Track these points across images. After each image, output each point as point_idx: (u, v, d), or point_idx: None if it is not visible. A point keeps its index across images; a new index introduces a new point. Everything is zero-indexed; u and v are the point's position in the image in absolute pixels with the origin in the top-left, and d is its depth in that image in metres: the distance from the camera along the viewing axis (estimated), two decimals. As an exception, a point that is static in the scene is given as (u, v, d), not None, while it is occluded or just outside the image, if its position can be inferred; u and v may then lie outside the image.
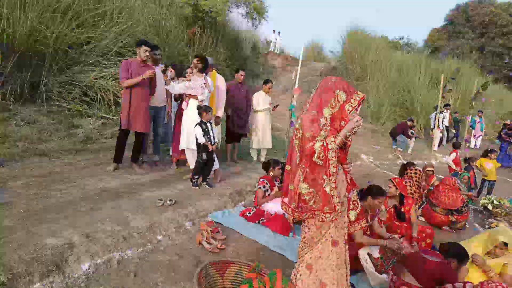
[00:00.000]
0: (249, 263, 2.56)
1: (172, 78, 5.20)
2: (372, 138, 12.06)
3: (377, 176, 7.72)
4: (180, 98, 5.16)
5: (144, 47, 4.49)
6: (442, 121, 11.91)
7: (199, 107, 4.46)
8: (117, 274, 2.59)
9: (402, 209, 4.27)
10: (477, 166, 6.96)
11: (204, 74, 4.79)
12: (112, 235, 2.93)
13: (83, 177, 4.15)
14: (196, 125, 4.39)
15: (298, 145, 2.37)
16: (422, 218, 5.14)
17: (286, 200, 2.51)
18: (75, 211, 3.24)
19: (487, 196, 6.17)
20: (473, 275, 3.03)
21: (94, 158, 4.94)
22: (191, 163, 4.79)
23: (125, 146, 4.64)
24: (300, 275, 2.45)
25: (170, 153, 5.40)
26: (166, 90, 5.07)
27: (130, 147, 4.78)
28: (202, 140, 4.34)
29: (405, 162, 6.04)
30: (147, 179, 4.51)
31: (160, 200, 3.74)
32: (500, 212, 5.64)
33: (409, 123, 10.84)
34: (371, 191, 3.46)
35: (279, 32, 21.59)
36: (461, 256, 2.95)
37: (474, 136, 13.22)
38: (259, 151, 6.62)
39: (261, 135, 6.35)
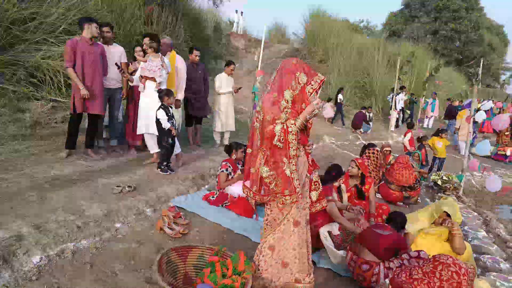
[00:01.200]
0: (211, 247, 2.54)
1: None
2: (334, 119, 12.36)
3: (338, 156, 7.97)
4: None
5: (95, 24, 4.19)
6: (398, 102, 12.47)
7: (160, 91, 4.27)
8: (72, 266, 2.47)
9: (363, 189, 4.47)
10: (429, 145, 7.39)
11: (160, 54, 4.57)
12: (65, 225, 2.77)
13: (31, 165, 3.86)
14: (159, 109, 4.21)
15: (259, 127, 2.35)
16: (379, 195, 5.40)
17: (247, 183, 2.50)
18: (23, 201, 3.02)
19: (437, 172, 6.58)
20: (421, 242, 3.23)
21: (44, 145, 4.60)
22: (152, 148, 4.63)
23: (78, 130, 4.37)
24: (263, 256, 2.48)
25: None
26: None
27: (84, 131, 4.51)
28: (167, 125, 4.19)
29: (366, 143, 6.26)
30: (104, 165, 4.29)
31: (118, 186, 3.59)
32: (448, 187, 6.06)
33: (363, 111, 11.62)
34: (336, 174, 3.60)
35: (241, 12, 21.16)
36: (399, 223, 3.14)
37: (427, 116, 14.01)
38: (222, 134, 6.53)
39: (224, 118, 6.25)
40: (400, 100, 12.64)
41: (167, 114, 4.16)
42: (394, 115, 12.19)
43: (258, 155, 2.38)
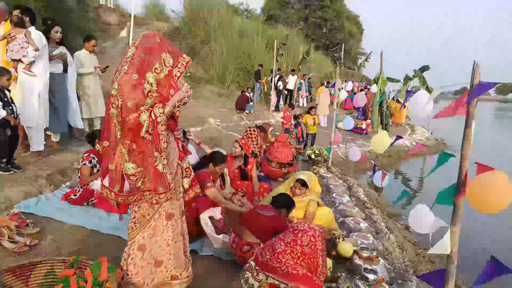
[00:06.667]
0: (64, 258, 2.09)
1: None
2: (218, 101, 12.35)
3: (224, 138, 7.96)
4: None
5: None
6: (276, 83, 13.17)
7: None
8: None
9: (246, 169, 4.50)
10: (303, 123, 8.04)
11: (26, 30, 3.75)
12: None
13: None
14: (-13, 93, 3.30)
15: (117, 115, 1.96)
16: (261, 173, 5.57)
17: (106, 182, 2.11)
18: None
19: (311, 147, 7.21)
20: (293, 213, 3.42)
21: None
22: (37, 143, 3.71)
23: None
24: (132, 259, 2.17)
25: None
26: None
27: None
28: (2, 113, 3.32)
29: (248, 123, 6.35)
30: None
31: None
32: (320, 159, 6.70)
33: (245, 94, 11.94)
34: (214, 159, 3.44)
35: (111, -17, 18.88)
36: (289, 204, 3.26)
37: (301, 96, 15.32)
38: (91, 121, 5.69)
39: (91, 102, 5.44)
40: (289, 82, 13.47)
41: (1, 100, 3.29)
42: (274, 95, 12.87)
43: (117, 149, 2.01)
